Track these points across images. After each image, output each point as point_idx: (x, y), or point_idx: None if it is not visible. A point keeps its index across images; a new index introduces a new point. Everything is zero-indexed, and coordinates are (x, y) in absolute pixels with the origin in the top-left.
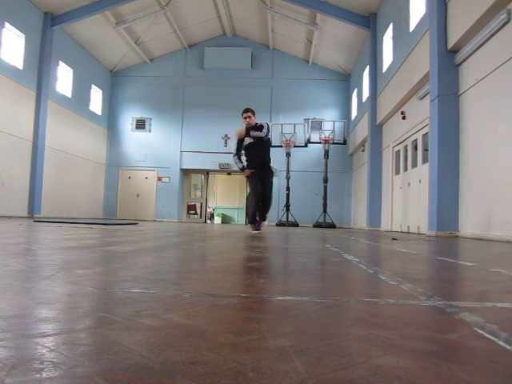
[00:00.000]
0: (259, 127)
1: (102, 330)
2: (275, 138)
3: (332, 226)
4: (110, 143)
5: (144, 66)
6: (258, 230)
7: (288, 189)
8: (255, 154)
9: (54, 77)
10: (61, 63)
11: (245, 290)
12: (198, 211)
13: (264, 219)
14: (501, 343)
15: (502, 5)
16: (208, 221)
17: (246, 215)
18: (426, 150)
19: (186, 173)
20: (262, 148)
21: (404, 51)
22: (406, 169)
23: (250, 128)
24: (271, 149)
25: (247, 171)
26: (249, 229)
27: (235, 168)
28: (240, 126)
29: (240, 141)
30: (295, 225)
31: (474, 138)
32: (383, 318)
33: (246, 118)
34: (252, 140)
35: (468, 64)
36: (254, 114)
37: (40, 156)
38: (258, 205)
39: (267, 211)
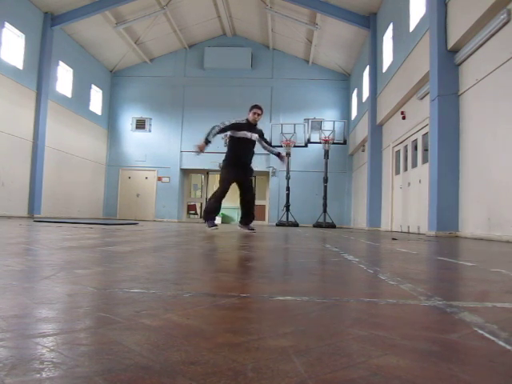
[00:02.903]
0: (259, 131)
1: (102, 330)
2: (275, 138)
3: (332, 226)
4: (109, 143)
5: (144, 65)
6: (253, 229)
7: (288, 189)
8: (243, 152)
9: (54, 77)
10: (61, 63)
11: (245, 290)
12: (198, 211)
13: (253, 217)
14: (501, 343)
15: (502, 5)
16: None
17: (204, 212)
18: (426, 150)
19: (185, 173)
20: (251, 149)
21: (404, 51)
22: (406, 169)
23: (253, 125)
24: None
25: (201, 145)
26: (241, 229)
27: None
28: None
29: (232, 128)
30: (295, 225)
31: (473, 137)
32: (383, 317)
33: (255, 113)
34: (247, 137)
35: (468, 64)
36: (262, 114)
37: (40, 156)
38: (216, 205)
39: (253, 209)
